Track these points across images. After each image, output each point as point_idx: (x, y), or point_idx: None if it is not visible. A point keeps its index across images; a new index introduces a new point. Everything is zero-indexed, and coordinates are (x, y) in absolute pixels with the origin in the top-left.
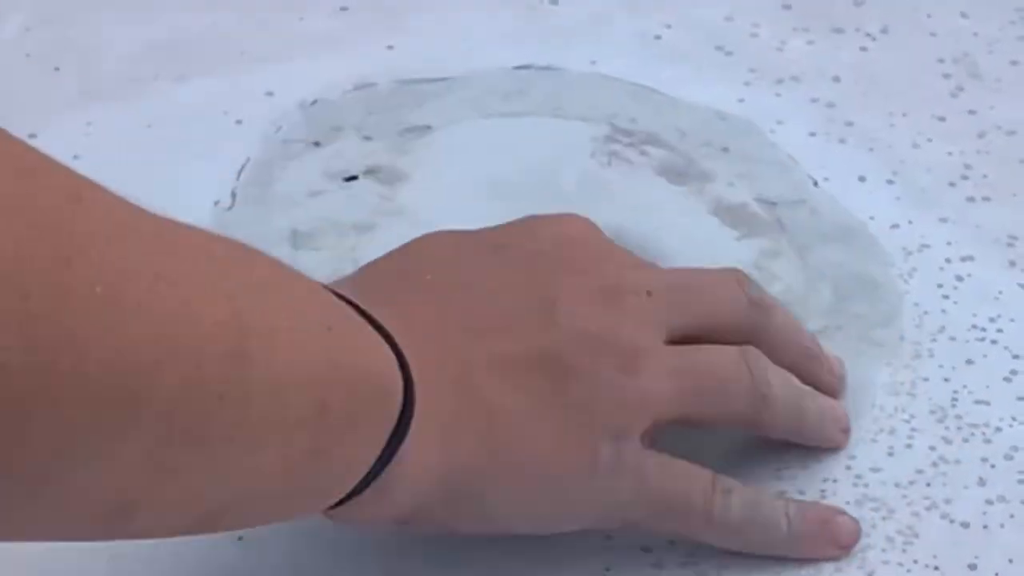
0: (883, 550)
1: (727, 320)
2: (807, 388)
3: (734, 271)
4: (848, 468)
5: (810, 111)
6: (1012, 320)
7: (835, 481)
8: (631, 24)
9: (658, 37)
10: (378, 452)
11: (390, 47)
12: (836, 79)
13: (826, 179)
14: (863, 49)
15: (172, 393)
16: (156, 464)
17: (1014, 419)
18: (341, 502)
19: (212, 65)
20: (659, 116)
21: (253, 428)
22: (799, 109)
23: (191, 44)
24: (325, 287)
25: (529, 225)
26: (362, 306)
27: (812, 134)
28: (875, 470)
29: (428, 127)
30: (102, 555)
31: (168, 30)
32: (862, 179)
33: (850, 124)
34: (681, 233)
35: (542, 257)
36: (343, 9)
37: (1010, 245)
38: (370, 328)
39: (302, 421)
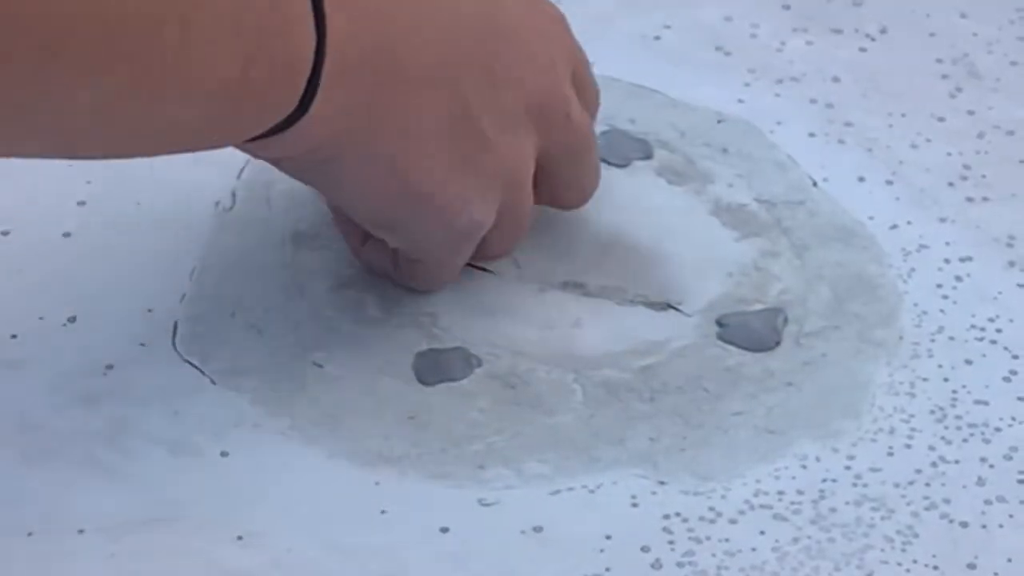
0: (882, 550)
1: None
2: None
3: None
4: (847, 468)
5: (809, 111)
6: (1011, 320)
7: (834, 481)
8: (630, 25)
9: (657, 38)
10: (283, 117)
11: None
12: (835, 79)
13: (825, 179)
14: (862, 49)
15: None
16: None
17: (1013, 419)
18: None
19: None
20: (658, 117)
21: (183, 83)
22: (798, 109)
23: None
24: None
25: None
26: None
27: (811, 134)
28: (874, 470)
29: None
30: (101, 552)
31: None
32: (861, 179)
33: (849, 124)
34: (680, 233)
35: (542, 37)
36: None
37: (1009, 245)
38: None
39: (225, 83)
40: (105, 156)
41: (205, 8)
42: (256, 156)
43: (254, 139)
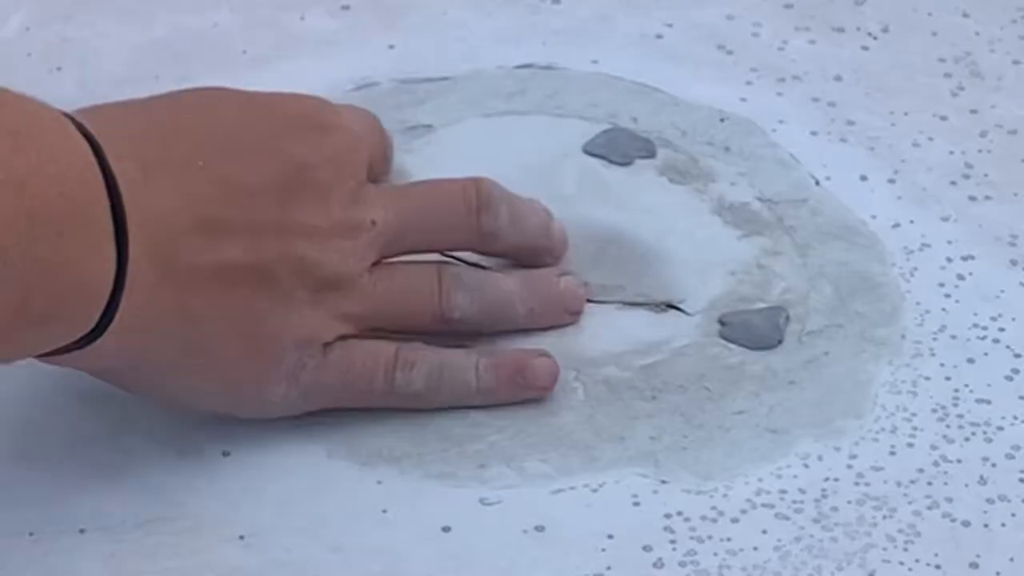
0: (884, 549)
1: (453, 244)
2: (509, 291)
3: (471, 184)
4: (849, 467)
5: (811, 110)
6: (1013, 319)
7: (836, 480)
8: (632, 24)
9: (659, 36)
10: (76, 338)
11: (391, 46)
12: (837, 78)
13: (827, 178)
14: (864, 48)
15: None
16: None
17: (1015, 418)
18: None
19: (213, 65)
20: (660, 115)
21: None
22: (800, 108)
23: (191, 44)
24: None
25: (308, 134)
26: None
27: (813, 133)
28: (877, 469)
29: (429, 126)
30: (101, 552)
31: (168, 30)
32: (863, 178)
33: (851, 123)
34: (683, 232)
35: (299, 177)
36: (344, 8)
37: (1011, 244)
38: (101, 226)
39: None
40: None
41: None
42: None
43: (50, 354)
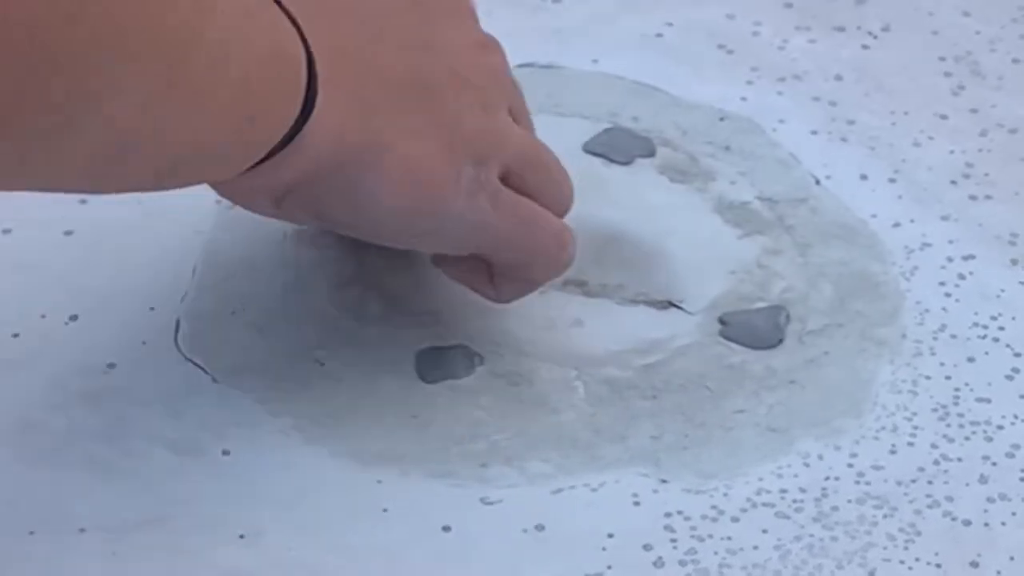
0: (885, 548)
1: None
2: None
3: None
4: (850, 466)
5: (812, 109)
6: (1014, 318)
7: (837, 479)
8: (633, 23)
9: (660, 36)
10: (294, 117)
11: None
12: (838, 77)
13: (828, 177)
14: (865, 47)
15: (154, 49)
16: (148, 111)
17: (1016, 417)
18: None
19: None
20: (661, 115)
21: (208, 88)
22: (801, 107)
23: None
24: None
25: None
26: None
27: (814, 132)
28: (877, 468)
29: None
30: (100, 553)
31: None
32: (864, 177)
33: (852, 122)
34: (683, 232)
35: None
36: None
37: (1012, 243)
38: (284, 18)
39: (236, 86)
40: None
41: (210, 23)
42: (275, 208)
43: (269, 157)
